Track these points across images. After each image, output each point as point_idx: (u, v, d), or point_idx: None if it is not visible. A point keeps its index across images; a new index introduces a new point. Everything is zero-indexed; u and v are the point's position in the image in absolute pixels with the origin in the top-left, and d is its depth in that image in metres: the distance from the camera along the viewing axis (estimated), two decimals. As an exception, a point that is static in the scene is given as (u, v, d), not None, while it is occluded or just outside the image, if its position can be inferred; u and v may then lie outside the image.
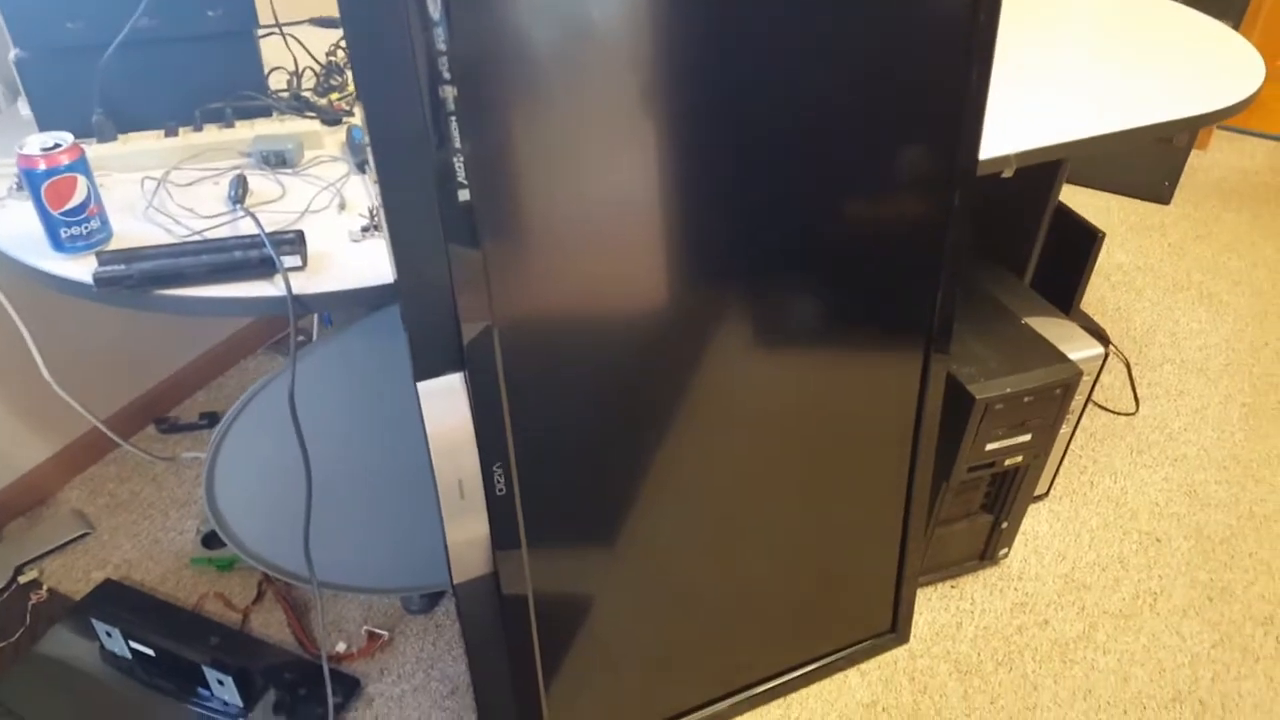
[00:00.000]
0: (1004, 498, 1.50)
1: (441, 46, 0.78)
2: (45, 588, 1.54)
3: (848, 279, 1.09)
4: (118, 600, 1.51)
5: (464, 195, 0.84)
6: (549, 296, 0.94)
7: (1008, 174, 1.25)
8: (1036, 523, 1.70)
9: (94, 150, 1.14)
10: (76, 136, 1.02)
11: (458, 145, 0.82)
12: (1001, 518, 1.52)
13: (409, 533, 1.45)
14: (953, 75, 1.02)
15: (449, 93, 0.79)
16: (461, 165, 0.83)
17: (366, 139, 0.80)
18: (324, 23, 1.59)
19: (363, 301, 0.99)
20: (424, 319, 0.89)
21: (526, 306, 0.93)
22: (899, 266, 1.11)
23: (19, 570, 1.56)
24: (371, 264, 1.01)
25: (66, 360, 1.65)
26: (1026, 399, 1.36)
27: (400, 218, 0.83)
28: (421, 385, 0.92)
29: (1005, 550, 1.60)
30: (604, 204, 0.92)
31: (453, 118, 0.80)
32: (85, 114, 1.15)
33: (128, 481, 1.75)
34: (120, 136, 1.18)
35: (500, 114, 0.83)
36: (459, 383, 0.93)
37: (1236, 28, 2.51)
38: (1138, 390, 2.03)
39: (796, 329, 1.09)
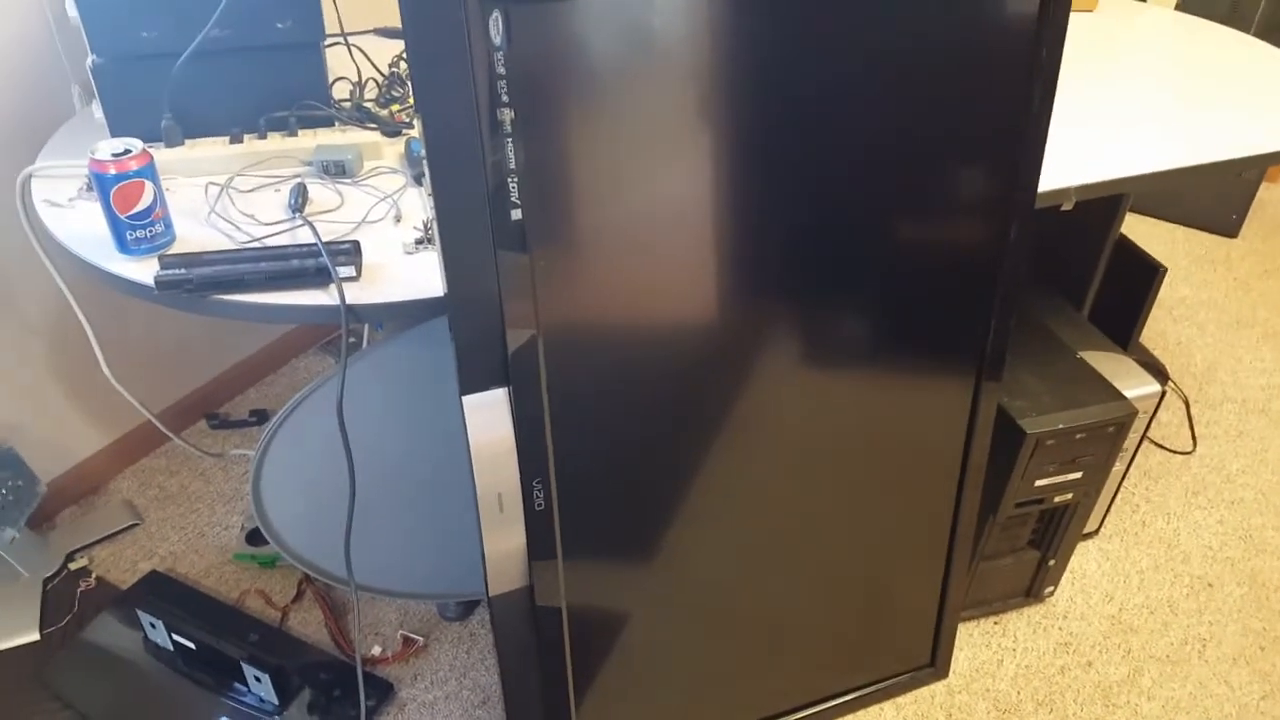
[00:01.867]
0: (1052, 534, 1.46)
1: (501, 70, 0.78)
2: (94, 576, 1.58)
3: (900, 302, 1.08)
4: (163, 592, 1.54)
5: (516, 215, 0.85)
6: (596, 310, 0.94)
7: (1067, 207, 1.23)
8: (1085, 561, 1.66)
9: (161, 155, 1.17)
10: (145, 141, 1.05)
11: (512, 166, 0.82)
12: (1049, 555, 1.49)
13: (448, 540, 1.46)
14: (1014, 105, 1.01)
15: (506, 115, 0.80)
16: (515, 185, 0.83)
17: (424, 155, 0.81)
18: (388, 33, 1.62)
19: (414, 313, 1.00)
20: (472, 333, 0.90)
21: (573, 319, 0.93)
22: (953, 293, 1.10)
23: (70, 557, 1.60)
24: (424, 276, 1.02)
25: (124, 355, 1.70)
26: (1078, 436, 1.33)
27: (453, 234, 0.84)
28: (467, 399, 0.93)
29: (1051, 588, 1.56)
30: (656, 222, 0.92)
31: (509, 139, 0.81)
32: (155, 119, 1.19)
33: (177, 475, 1.79)
34: (187, 142, 1.21)
35: (556, 136, 0.84)
36: (503, 398, 0.94)
37: (1313, 59, 2.43)
38: (1196, 429, 1.97)
39: (846, 350, 1.08)
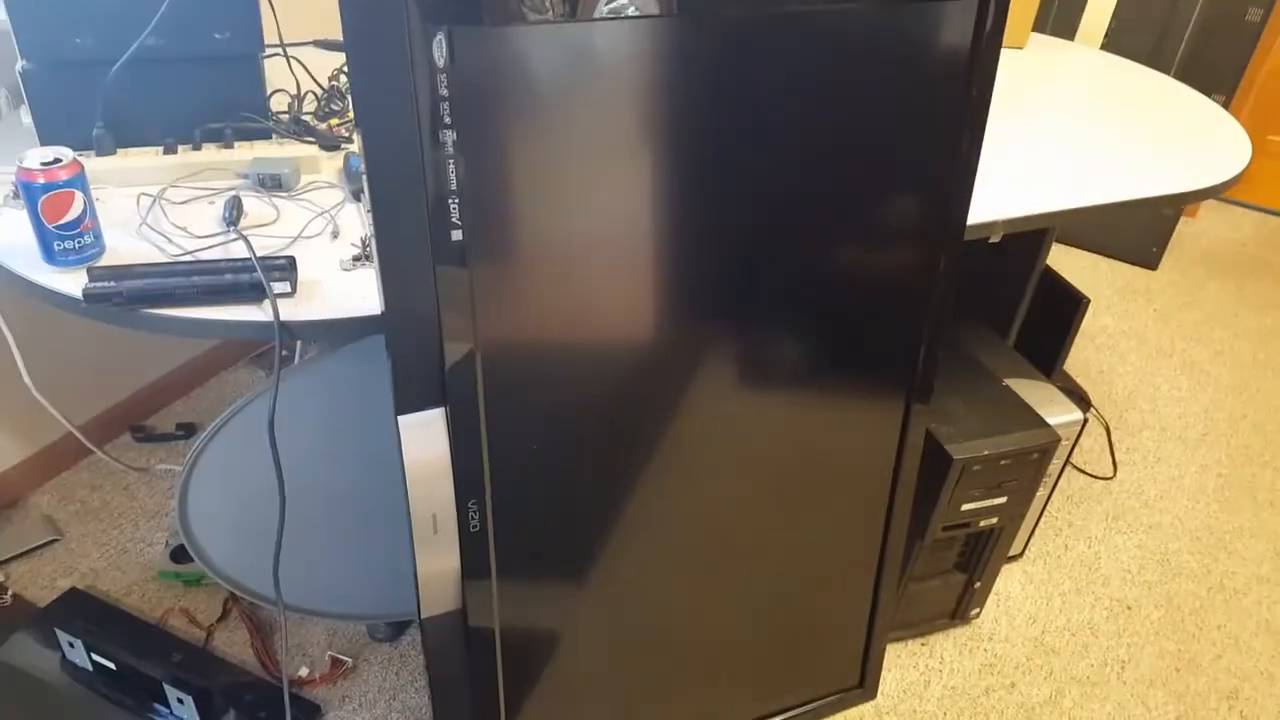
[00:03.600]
0: (978, 557, 1.50)
1: (444, 92, 0.79)
2: (10, 593, 1.52)
3: (834, 327, 1.10)
4: (82, 610, 1.49)
5: (457, 235, 0.85)
6: (535, 329, 0.94)
7: (995, 239, 1.27)
8: (1009, 584, 1.70)
9: (92, 164, 1.14)
10: (75, 149, 1.03)
11: (453, 187, 0.83)
12: (974, 577, 1.52)
13: (379, 560, 1.44)
14: (945, 140, 1.04)
15: (448, 136, 0.80)
16: (456, 206, 0.84)
17: (364, 171, 0.81)
18: (328, 45, 1.60)
19: (350, 331, 1.00)
20: (409, 352, 0.90)
21: (512, 338, 0.93)
22: (886, 319, 1.13)
23: (-16, 574, 1.54)
24: (361, 294, 1.01)
25: (46, 364, 1.65)
26: (1003, 462, 1.37)
27: (392, 252, 0.84)
28: (402, 419, 0.93)
29: (977, 610, 1.60)
30: (596, 243, 0.93)
31: (450, 160, 0.81)
32: (86, 127, 1.16)
33: (99, 489, 1.74)
34: (119, 151, 1.18)
35: (498, 157, 0.84)
36: (439, 418, 0.94)
37: (1228, 103, 2.56)
38: (1116, 455, 2.04)
39: (781, 372, 1.10)
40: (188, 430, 1.86)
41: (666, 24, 0.86)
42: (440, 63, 0.79)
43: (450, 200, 0.84)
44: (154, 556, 1.61)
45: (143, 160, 1.18)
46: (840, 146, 0.99)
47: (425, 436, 0.94)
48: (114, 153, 1.18)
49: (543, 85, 0.84)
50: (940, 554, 1.49)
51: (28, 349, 1.54)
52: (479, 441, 0.96)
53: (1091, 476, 1.98)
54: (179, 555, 1.59)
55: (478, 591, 1.04)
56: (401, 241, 0.84)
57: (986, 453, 1.34)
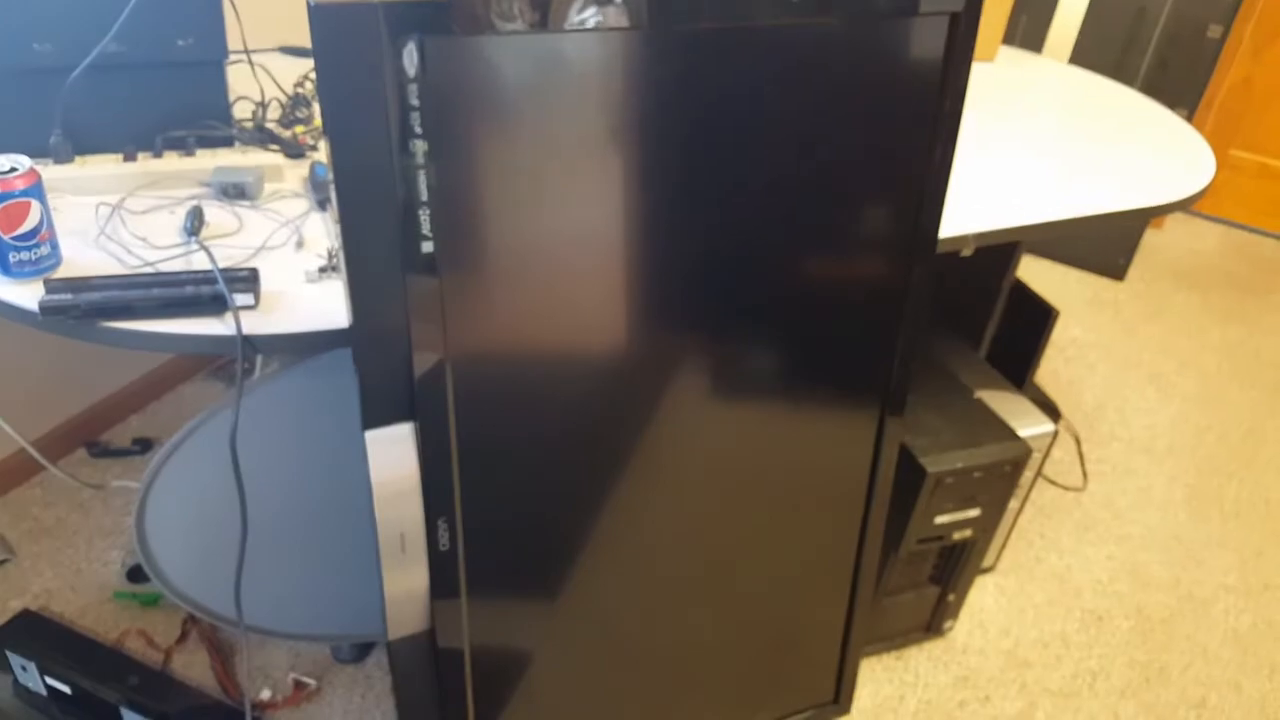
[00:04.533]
0: (951, 570, 1.50)
1: (415, 102, 0.77)
2: (-42, 615, 1.47)
3: (807, 339, 1.09)
4: (35, 632, 1.44)
5: (427, 246, 0.83)
6: (507, 341, 0.92)
7: (967, 253, 1.27)
8: (982, 596, 1.70)
9: (49, 171, 1.11)
10: (32, 156, 1.00)
11: (424, 198, 0.81)
12: (948, 590, 1.52)
13: (344, 580, 1.41)
14: (918, 154, 1.04)
15: (419, 147, 0.78)
16: (427, 218, 0.82)
17: (331, 179, 0.79)
18: (293, 51, 1.58)
19: (315, 345, 0.97)
20: (377, 365, 0.87)
21: (483, 350, 0.91)
22: (859, 332, 1.12)
23: (-69, 596, 1.49)
24: (326, 307, 0.99)
25: (-1, 377, 1.60)
26: (976, 474, 1.37)
27: (360, 265, 0.82)
28: (370, 434, 0.90)
29: (951, 623, 1.60)
30: (568, 255, 0.91)
31: (421, 171, 0.79)
32: (43, 133, 1.12)
33: (53, 506, 1.68)
34: (78, 158, 1.15)
35: (469, 168, 0.83)
36: (408, 433, 0.91)
37: (1191, 116, 2.61)
38: (1086, 466, 2.06)
39: (755, 384, 1.09)
40: (144, 445, 1.81)
41: (637, 36, 0.85)
42: (411, 72, 0.77)
43: (420, 210, 0.82)
44: (110, 576, 1.56)
45: (102, 168, 1.14)
46: (812, 160, 0.99)
47: (393, 452, 0.92)
48: (72, 160, 1.14)
49: (514, 95, 0.82)
50: (914, 567, 1.48)
51: (-21, 361, 1.50)
52: (449, 457, 0.94)
53: (1062, 488, 1.99)
54: (136, 575, 1.55)
55: (447, 611, 1.01)
56: (370, 252, 0.82)
57: (960, 465, 1.34)
